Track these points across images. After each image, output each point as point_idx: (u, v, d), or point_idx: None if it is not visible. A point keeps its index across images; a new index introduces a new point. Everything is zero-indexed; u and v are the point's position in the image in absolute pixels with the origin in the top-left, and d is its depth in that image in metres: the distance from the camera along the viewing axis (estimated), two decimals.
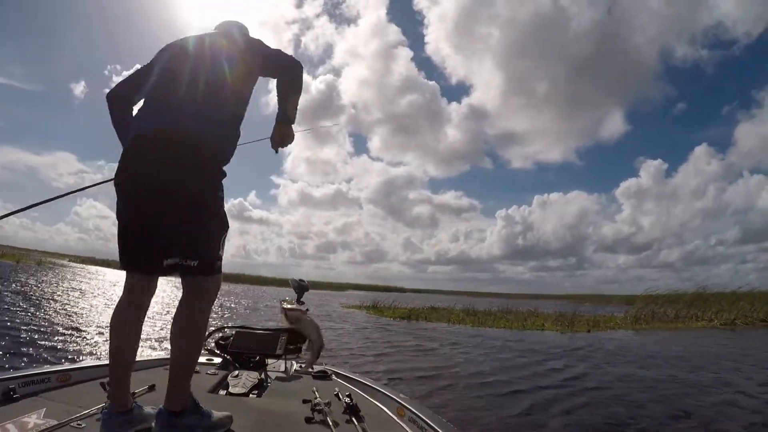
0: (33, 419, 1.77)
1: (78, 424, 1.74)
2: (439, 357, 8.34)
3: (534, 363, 7.83)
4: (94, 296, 16.15)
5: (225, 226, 1.76)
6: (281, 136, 1.93)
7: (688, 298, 20.50)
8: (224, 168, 1.79)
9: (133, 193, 1.69)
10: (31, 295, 13.22)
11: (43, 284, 17.99)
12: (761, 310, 18.20)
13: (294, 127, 1.94)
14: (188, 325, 1.71)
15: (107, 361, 1.89)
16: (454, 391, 5.43)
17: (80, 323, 8.82)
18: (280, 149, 1.96)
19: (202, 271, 1.66)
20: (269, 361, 3.04)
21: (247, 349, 3.05)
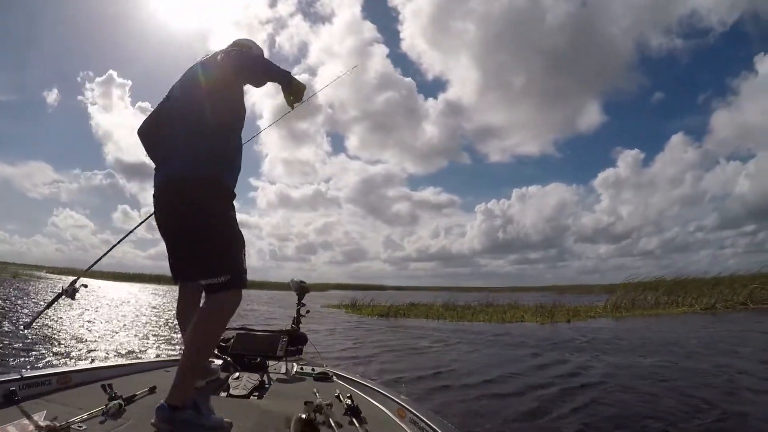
0: (34, 421, 1.78)
1: (79, 426, 1.76)
2: (410, 353, 8.40)
3: (521, 357, 7.82)
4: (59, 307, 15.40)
5: (239, 242, 1.94)
6: (290, 93, 2.10)
7: (667, 285, 20.44)
8: (229, 185, 2.00)
9: (160, 229, 2.08)
10: None
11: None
12: (741, 293, 18.26)
13: (306, 92, 2.15)
14: (205, 330, 1.85)
15: (108, 363, 2.07)
16: (427, 389, 5.28)
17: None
18: (296, 104, 2.18)
19: (232, 285, 1.85)
20: (270, 362, 3.08)
21: (247, 351, 3.09)
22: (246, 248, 1.96)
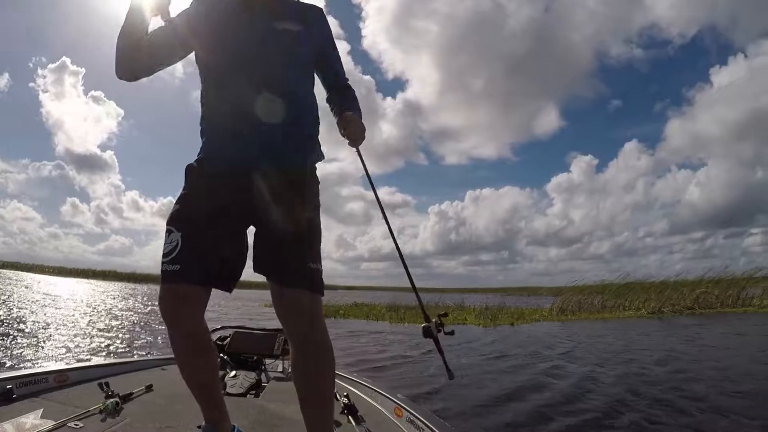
0: (31, 419, 1.81)
1: (75, 424, 1.79)
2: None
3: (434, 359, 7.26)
4: None
5: None
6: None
7: (615, 288, 20.58)
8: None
9: None
10: None
11: None
12: (688, 298, 18.51)
13: None
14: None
15: (104, 361, 2.27)
16: None
17: None
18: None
19: None
20: (267, 361, 3.09)
21: (244, 350, 3.10)
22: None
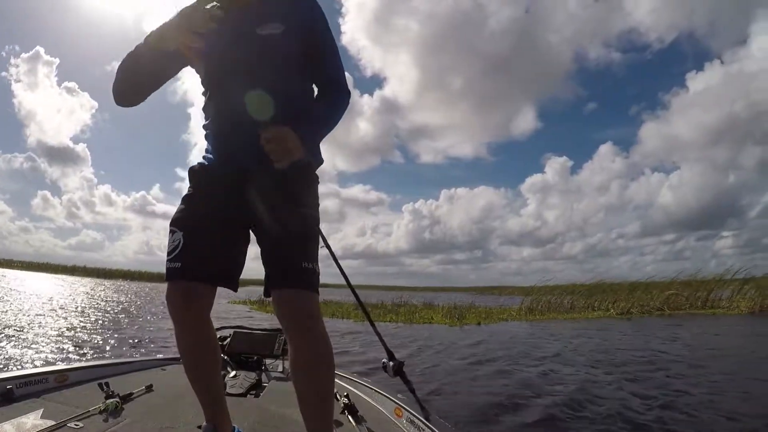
0: (31, 420, 1.82)
1: (76, 425, 1.81)
2: None
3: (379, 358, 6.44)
4: None
5: None
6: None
7: (585, 289, 20.69)
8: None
9: None
10: None
11: None
12: (658, 299, 18.71)
13: None
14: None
15: (105, 361, 2.31)
16: None
17: None
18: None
19: None
20: (267, 361, 3.10)
21: (244, 350, 3.11)
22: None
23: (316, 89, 1.77)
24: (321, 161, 1.75)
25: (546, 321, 15.63)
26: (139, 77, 1.62)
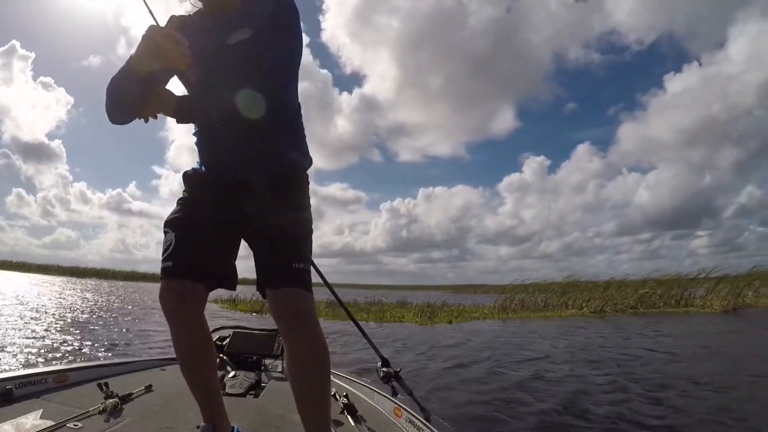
0: (30, 420, 1.83)
1: (75, 425, 1.82)
2: None
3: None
4: None
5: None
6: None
7: (558, 287, 20.68)
8: None
9: None
10: None
11: None
12: (631, 297, 18.76)
13: None
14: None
15: (104, 362, 2.33)
16: None
17: None
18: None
19: None
20: (266, 361, 3.11)
21: (244, 350, 3.10)
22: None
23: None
24: (310, 162, 1.77)
25: (519, 319, 15.57)
26: (126, 98, 1.57)
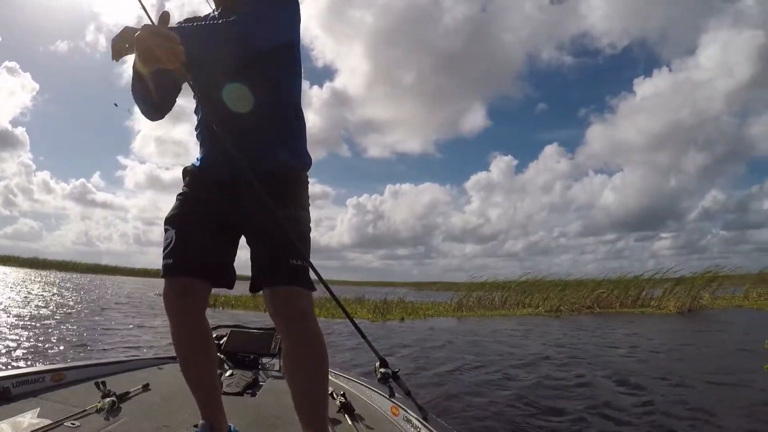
0: (27, 419, 1.84)
1: (72, 423, 1.83)
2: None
3: None
4: None
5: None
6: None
7: (516, 285, 20.52)
8: None
9: None
10: None
11: None
12: (588, 297, 18.90)
13: None
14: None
15: (101, 360, 2.40)
16: None
17: None
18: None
19: None
20: (264, 360, 3.13)
21: (241, 349, 3.13)
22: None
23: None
24: (310, 163, 1.78)
25: (475, 317, 15.51)
26: (147, 99, 1.62)
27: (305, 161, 1.76)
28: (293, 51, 1.73)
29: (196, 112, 1.75)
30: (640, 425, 3.79)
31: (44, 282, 29.77)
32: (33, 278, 34.29)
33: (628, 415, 4.02)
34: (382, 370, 2.10)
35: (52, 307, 13.02)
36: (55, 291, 21.43)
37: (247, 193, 1.60)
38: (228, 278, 1.69)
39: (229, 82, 1.61)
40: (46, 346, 6.66)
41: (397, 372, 2.11)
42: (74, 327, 8.98)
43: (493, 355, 7.33)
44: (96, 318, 10.98)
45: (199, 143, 1.76)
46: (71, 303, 15.35)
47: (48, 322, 9.46)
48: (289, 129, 1.72)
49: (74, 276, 46.61)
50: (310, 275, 1.62)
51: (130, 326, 9.51)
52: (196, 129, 1.76)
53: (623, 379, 5.53)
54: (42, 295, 18.50)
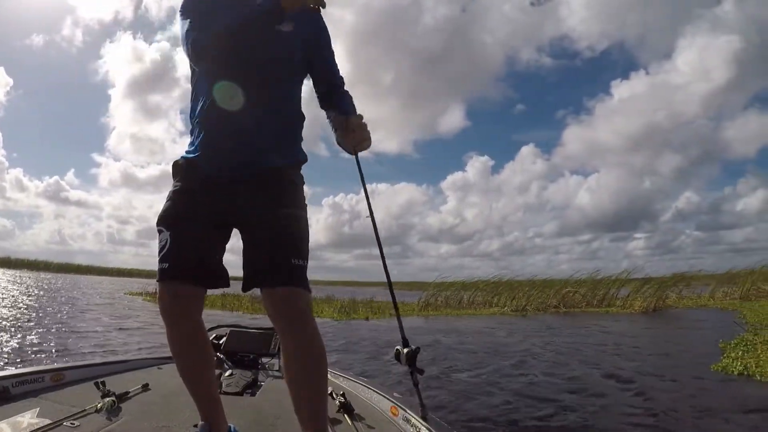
0: (27, 418, 1.84)
1: (72, 423, 1.83)
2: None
3: None
4: None
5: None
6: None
7: (484, 285, 20.74)
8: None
9: None
10: None
11: None
12: (554, 297, 19.04)
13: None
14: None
15: (101, 360, 2.40)
16: None
17: None
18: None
19: None
20: (263, 360, 3.14)
21: (240, 349, 3.12)
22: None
23: (318, 91, 1.90)
24: (305, 159, 1.78)
25: (442, 316, 15.64)
26: None
27: (303, 158, 1.75)
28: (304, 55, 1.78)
29: (196, 99, 1.68)
30: (568, 423, 3.81)
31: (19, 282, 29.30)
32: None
33: (558, 414, 4.02)
34: (405, 350, 1.83)
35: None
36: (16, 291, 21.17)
37: (246, 191, 1.60)
38: (223, 278, 1.67)
39: (251, 79, 1.59)
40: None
41: (418, 349, 1.84)
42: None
43: (444, 350, 7.45)
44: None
45: (194, 133, 1.68)
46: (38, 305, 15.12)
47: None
48: (293, 130, 1.72)
49: (44, 276, 45.69)
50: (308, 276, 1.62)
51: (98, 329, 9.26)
52: (192, 117, 1.69)
53: (552, 375, 5.59)
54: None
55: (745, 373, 5.41)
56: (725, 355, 6.44)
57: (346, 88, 1.91)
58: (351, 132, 1.71)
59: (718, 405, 4.29)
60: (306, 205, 1.74)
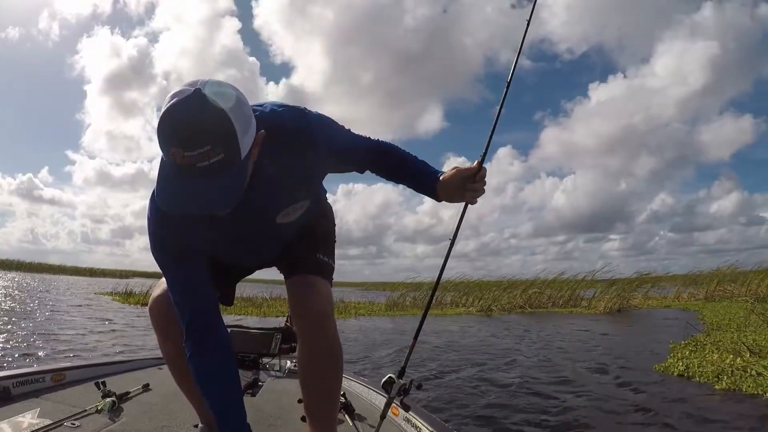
0: (28, 419, 1.85)
1: (72, 423, 1.84)
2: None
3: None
4: None
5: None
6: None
7: (452, 286, 20.81)
8: None
9: None
10: None
11: None
12: (520, 297, 19.30)
13: None
14: None
15: (102, 361, 2.41)
16: None
17: None
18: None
19: None
20: (264, 360, 3.17)
21: (241, 349, 3.05)
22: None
23: (376, 173, 1.70)
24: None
25: (408, 316, 15.65)
26: None
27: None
28: None
29: None
30: (504, 423, 3.88)
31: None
32: None
33: (492, 414, 4.10)
34: (401, 382, 1.79)
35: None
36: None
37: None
38: (227, 298, 1.69)
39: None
40: None
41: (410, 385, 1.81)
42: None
43: (398, 347, 7.68)
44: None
45: None
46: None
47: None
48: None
49: (12, 275, 44.97)
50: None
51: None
52: None
53: (500, 375, 5.71)
54: None
55: (686, 374, 5.51)
56: (671, 355, 6.56)
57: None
58: (473, 185, 1.67)
59: (650, 404, 4.33)
60: (331, 210, 1.81)
